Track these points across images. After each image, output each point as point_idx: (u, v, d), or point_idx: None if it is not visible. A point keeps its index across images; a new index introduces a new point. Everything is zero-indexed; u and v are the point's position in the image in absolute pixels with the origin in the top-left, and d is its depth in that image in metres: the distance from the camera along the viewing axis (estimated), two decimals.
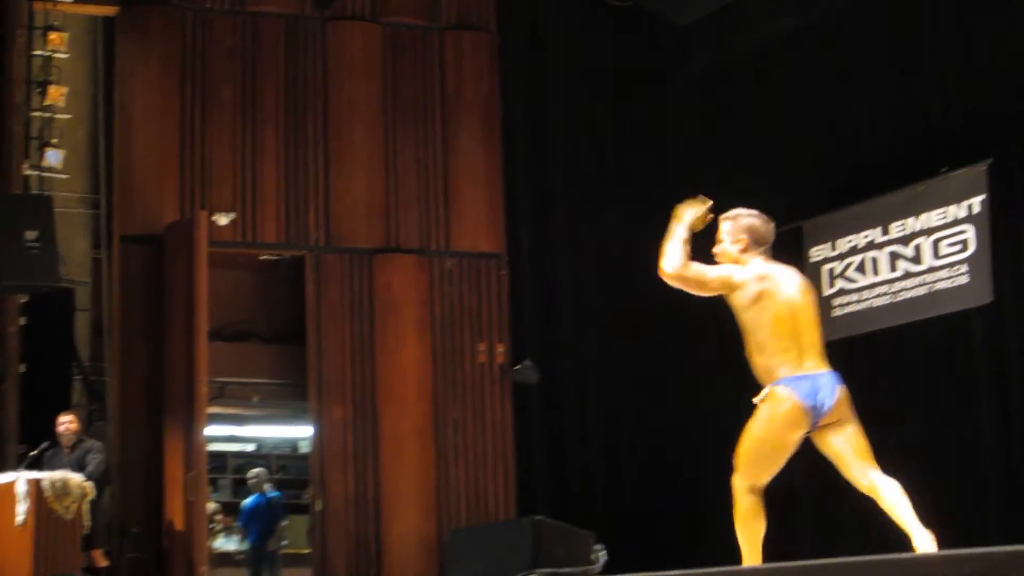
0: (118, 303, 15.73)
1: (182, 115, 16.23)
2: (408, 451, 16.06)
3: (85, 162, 16.41)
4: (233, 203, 16.32)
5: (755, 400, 7.12)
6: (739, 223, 7.48)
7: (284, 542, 17.92)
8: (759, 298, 7.24)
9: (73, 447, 13.60)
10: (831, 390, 7.12)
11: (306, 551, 16.99)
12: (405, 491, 15.94)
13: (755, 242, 7.46)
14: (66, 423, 13.64)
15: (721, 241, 7.48)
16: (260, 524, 18.45)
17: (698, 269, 7.28)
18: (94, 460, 13.45)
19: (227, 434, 20.16)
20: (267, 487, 18.86)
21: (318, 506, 15.80)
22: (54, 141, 15.38)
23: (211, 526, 16.95)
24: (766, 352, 7.19)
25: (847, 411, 7.19)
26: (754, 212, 7.57)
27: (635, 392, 16.90)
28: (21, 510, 12.16)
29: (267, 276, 17.87)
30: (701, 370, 16.06)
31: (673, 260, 7.22)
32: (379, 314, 16.37)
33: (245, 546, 18.74)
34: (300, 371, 16.58)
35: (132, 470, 15.16)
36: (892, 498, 6.88)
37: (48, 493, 12.24)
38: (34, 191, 15.40)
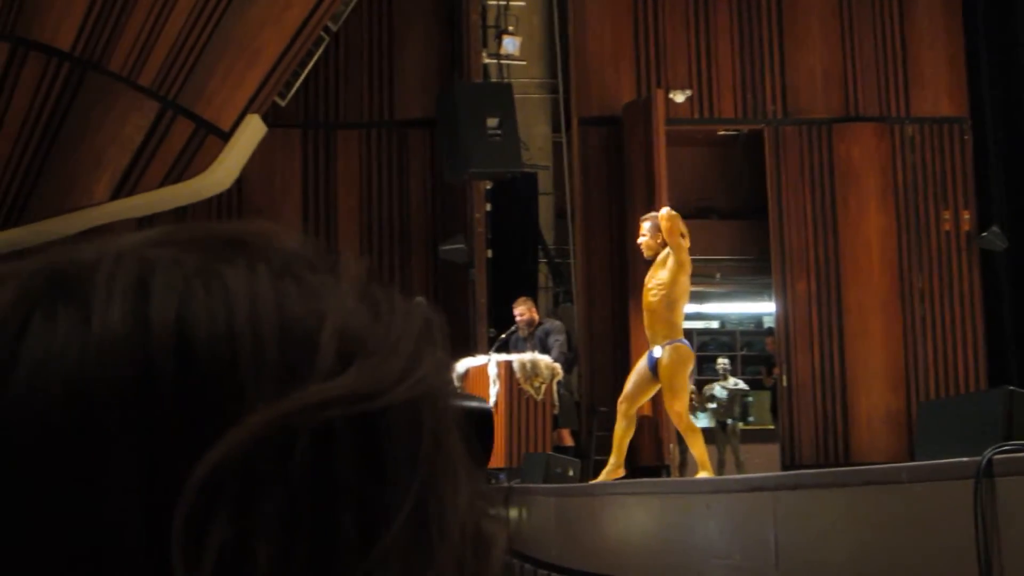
0: (579, 185, 15.98)
1: None
2: (874, 325, 15.78)
3: (541, 47, 16.60)
4: (689, 80, 16.38)
5: (660, 355, 10.43)
6: (653, 223, 10.64)
7: (750, 418, 17.83)
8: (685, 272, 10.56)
9: (533, 329, 13.85)
10: None
11: (771, 427, 16.89)
12: (872, 366, 15.66)
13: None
14: (519, 313, 13.91)
15: (644, 235, 10.70)
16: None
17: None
18: (556, 342, 13.67)
19: (691, 311, 20.15)
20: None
21: (784, 382, 15.73)
22: (510, 28, 15.65)
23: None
24: (675, 312, 10.54)
25: None
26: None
27: None
28: (493, 391, 12.54)
29: (724, 151, 17.75)
30: None
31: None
32: (840, 185, 16.09)
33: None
34: (760, 246, 16.52)
35: (598, 350, 15.46)
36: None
37: (519, 375, 12.57)
38: (494, 79, 15.78)
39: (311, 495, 0.57)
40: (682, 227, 10.62)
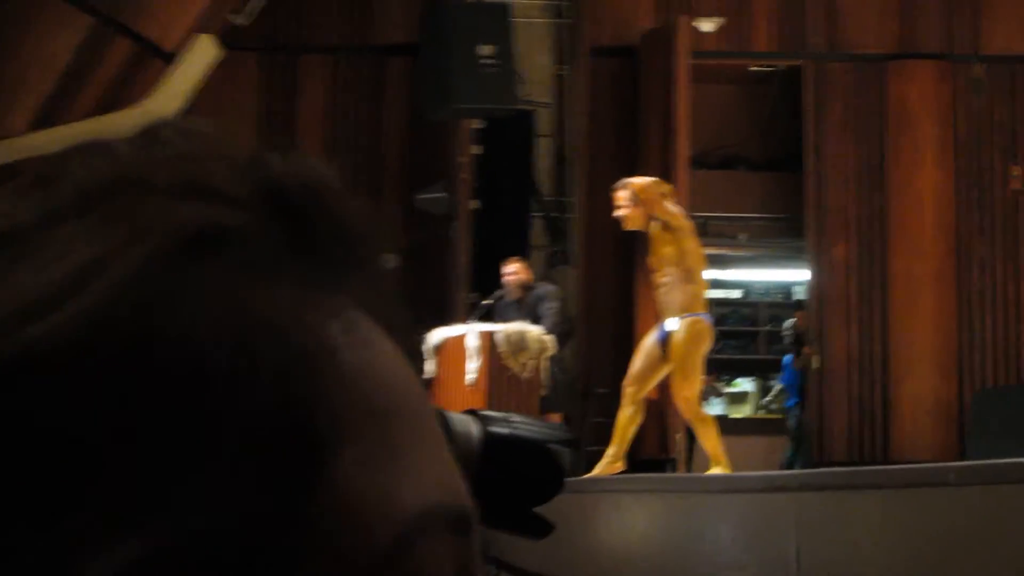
0: (585, 126, 15.95)
1: None
2: (924, 298, 15.75)
3: None
4: (719, 6, 16.33)
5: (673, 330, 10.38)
6: (631, 191, 10.47)
7: (772, 406, 17.80)
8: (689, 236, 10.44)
9: (524, 295, 13.66)
10: None
11: None
12: (919, 346, 15.66)
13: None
14: (511, 273, 13.71)
15: (622, 206, 10.50)
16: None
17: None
18: (549, 310, 13.48)
19: (710, 277, 20.17)
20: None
21: (815, 363, 15.71)
22: None
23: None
24: (695, 280, 10.45)
25: None
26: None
27: None
28: (472, 368, 12.39)
29: (758, 91, 17.72)
30: None
31: None
32: (892, 133, 16.08)
33: (789, 410, 18.31)
34: (795, 203, 16.50)
35: (598, 322, 15.44)
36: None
37: (503, 348, 12.42)
38: None
39: None
40: (663, 188, 10.65)
